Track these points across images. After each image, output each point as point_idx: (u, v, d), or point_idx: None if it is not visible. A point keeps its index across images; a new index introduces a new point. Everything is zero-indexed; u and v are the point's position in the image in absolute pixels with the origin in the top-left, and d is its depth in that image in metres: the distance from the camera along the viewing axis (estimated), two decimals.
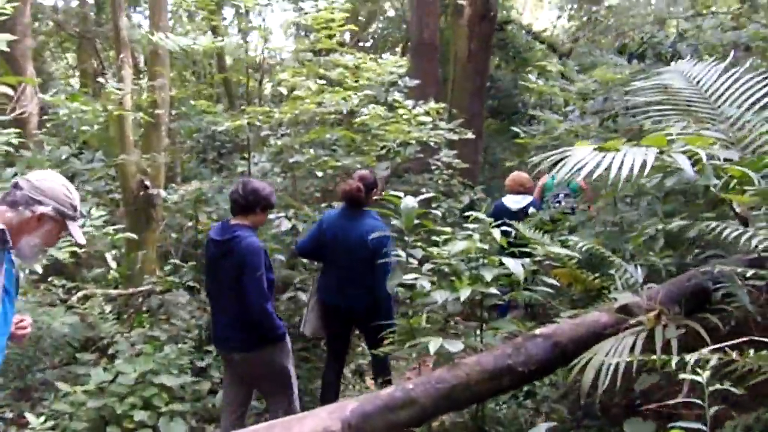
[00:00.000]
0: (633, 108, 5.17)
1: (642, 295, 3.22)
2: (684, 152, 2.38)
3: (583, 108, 5.57)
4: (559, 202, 6.83)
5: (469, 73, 9.49)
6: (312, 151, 6.21)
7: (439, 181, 6.82)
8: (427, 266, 3.27)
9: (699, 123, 3.13)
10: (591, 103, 5.55)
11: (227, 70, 12.12)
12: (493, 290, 3.02)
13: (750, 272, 2.73)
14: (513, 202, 6.02)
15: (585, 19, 18.09)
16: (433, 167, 6.90)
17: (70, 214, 2.32)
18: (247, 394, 3.68)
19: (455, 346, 2.85)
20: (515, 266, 3.02)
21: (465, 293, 2.93)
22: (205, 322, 4.85)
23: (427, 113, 6.61)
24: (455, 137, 6.90)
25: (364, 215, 4.13)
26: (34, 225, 2.24)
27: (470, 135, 7.28)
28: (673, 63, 3.74)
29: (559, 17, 20.27)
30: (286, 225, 5.84)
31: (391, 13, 16.57)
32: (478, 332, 3.30)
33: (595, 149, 2.43)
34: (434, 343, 2.83)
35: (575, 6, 18.31)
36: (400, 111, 6.40)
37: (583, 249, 3.61)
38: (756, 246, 2.62)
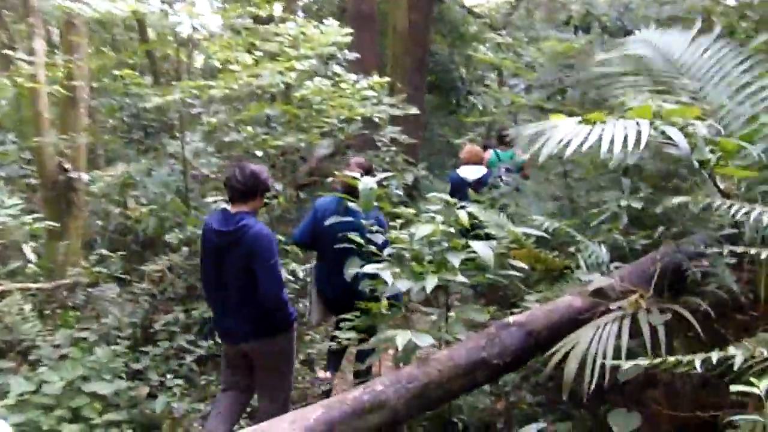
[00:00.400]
0: (589, 80, 5.04)
1: (614, 276, 3.08)
2: (671, 125, 2.20)
3: (532, 81, 5.40)
4: (501, 177, 6.83)
5: (410, 46, 9.20)
6: (249, 128, 5.80)
7: (386, 159, 6.54)
8: (387, 251, 3.00)
9: (670, 95, 2.98)
10: (539, 76, 5.38)
11: (151, 43, 11.36)
12: (461, 277, 2.79)
13: (726, 249, 2.62)
14: (469, 173, 6.10)
15: None
16: (379, 143, 6.62)
17: None
18: (248, 386, 3.45)
19: (424, 339, 2.62)
20: (483, 250, 2.80)
21: (431, 283, 2.69)
22: (141, 318, 4.43)
23: (370, 88, 6.31)
24: (399, 113, 6.64)
25: None
26: None
27: (415, 110, 7.04)
28: (637, 33, 3.58)
29: None
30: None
31: None
32: (442, 322, 3.07)
33: (580, 122, 2.21)
34: (402, 337, 2.58)
35: None
36: (343, 85, 6.07)
37: (551, 229, 3.43)
38: (734, 217, 2.51)
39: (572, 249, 3.98)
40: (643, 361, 1.95)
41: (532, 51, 5.11)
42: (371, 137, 7.06)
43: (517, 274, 3.09)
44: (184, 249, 5.22)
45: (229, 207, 3.32)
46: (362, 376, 3.65)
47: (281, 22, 5.58)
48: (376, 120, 6.35)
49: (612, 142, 2.05)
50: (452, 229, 2.89)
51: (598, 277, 3.00)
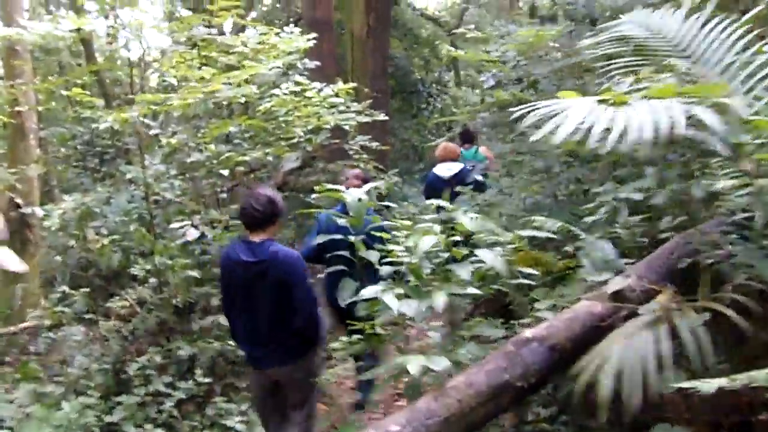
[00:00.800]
0: (568, 69, 4.85)
1: (630, 274, 2.85)
2: (698, 104, 1.97)
3: (504, 75, 5.20)
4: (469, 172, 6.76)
5: (370, 51, 8.97)
6: (212, 147, 5.45)
7: (362, 165, 6.27)
8: (386, 269, 2.71)
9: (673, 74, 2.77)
10: (510, 69, 5.17)
11: (99, 71, 10.87)
12: (473, 290, 2.52)
13: None
14: (445, 170, 6.06)
15: None
16: (351, 152, 6.33)
17: None
18: (284, 405, 3.39)
19: (439, 363, 2.33)
20: (493, 258, 2.54)
21: (440, 300, 2.41)
22: (112, 363, 4.02)
23: (336, 95, 6.03)
24: (367, 119, 6.38)
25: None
26: None
27: (383, 116, 6.79)
28: (625, 15, 3.38)
29: None
30: (193, 234, 5.09)
31: None
32: (449, 342, 2.79)
33: (599, 102, 1.97)
34: (414, 364, 2.29)
35: None
36: (309, 94, 5.77)
37: (555, 228, 3.20)
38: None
39: (569, 248, 3.76)
40: (714, 381, 1.69)
41: (502, 44, 4.90)
42: (340, 147, 6.79)
43: (529, 282, 2.83)
44: (152, 281, 4.84)
45: (249, 236, 3.23)
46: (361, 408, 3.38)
47: (240, 32, 5.24)
48: (346, 128, 6.06)
49: (639, 126, 1.80)
50: (457, 237, 2.62)
51: (615, 278, 2.76)
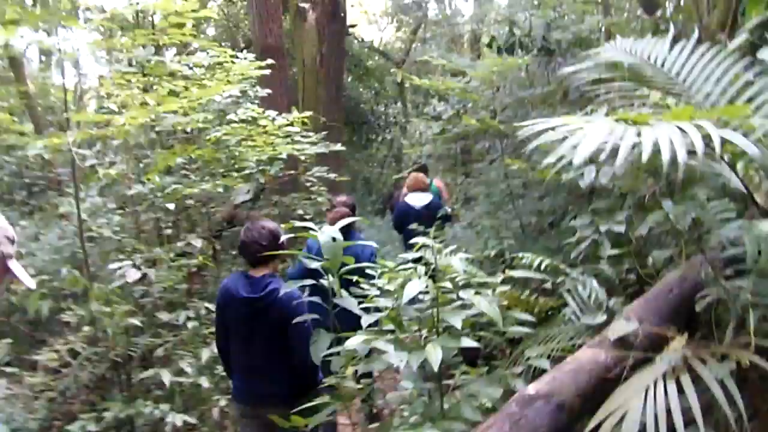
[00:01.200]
0: (540, 96, 4.68)
1: (631, 317, 2.61)
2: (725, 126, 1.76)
3: (473, 101, 5.01)
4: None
5: (323, 79, 8.71)
6: (156, 178, 5.00)
7: (318, 198, 5.93)
8: (367, 318, 2.36)
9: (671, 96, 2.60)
10: (488, 93, 4.98)
11: (30, 96, 10.16)
12: (469, 341, 2.21)
13: None
14: (416, 200, 6.06)
15: (415, 27, 18.24)
16: (308, 183, 5.99)
17: (10, 251, 1.70)
18: None
19: None
20: (487, 306, 2.24)
21: (436, 355, 2.09)
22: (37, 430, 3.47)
23: (290, 124, 5.70)
24: (322, 150, 6.08)
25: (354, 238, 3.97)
26: None
27: (338, 147, 6.51)
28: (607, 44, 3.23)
29: (385, 28, 20.34)
30: (134, 275, 4.60)
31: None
32: (437, 402, 2.45)
33: (617, 121, 1.73)
34: None
35: (405, 17, 18.38)
36: (263, 122, 5.43)
37: (543, 265, 2.94)
38: None
39: (546, 286, 3.53)
40: None
41: (470, 71, 4.71)
42: (291, 178, 6.44)
43: (525, 330, 2.54)
44: (86, 328, 4.31)
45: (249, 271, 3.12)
46: None
47: (190, 54, 4.87)
48: (301, 158, 5.73)
49: (671, 145, 1.56)
50: (448, 283, 2.31)
51: (617, 322, 2.52)
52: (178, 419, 3.23)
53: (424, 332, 2.32)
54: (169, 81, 4.90)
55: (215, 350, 3.76)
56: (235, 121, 5.42)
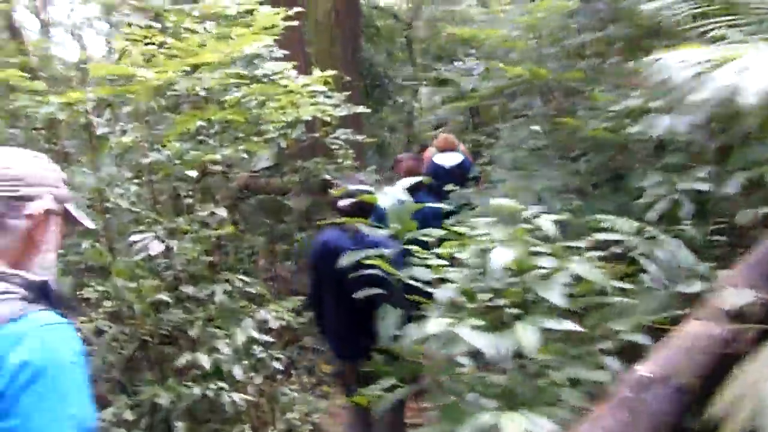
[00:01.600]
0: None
1: (739, 284, 2.28)
2: None
3: (518, 51, 4.58)
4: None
5: (338, 39, 8.25)
6: (176, 144, 4.65)
7: (344, 162, 5.58)
8: (441, 293, 2.04)
9: None
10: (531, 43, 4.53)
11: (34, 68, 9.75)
12: (569, 324, 1.88)
13: None
14: (446, 159, 6.00)
15: None
16: (335, 147, 5.63)
17: (67, 194, 1.54)
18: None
19: (542, 425, 1.69)
20: (589, 271, 1.91)
21: (531, 337, 1.76)
22: None
23: (312, 84, 5.31)
24: (345, 112, 5.71)
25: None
26: (39, 234, 1.42)
27: (362, 108, 6.14)
28: None
29: None
30: (157, 247, 4.28)
31: None
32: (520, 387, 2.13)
33: None
34: (513, 425, 1.64)
35: None
36: (285, 82, 5.04)
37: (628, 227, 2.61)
38: None
39: (616, 249, 3.19)
40: None
41: (518, 17, 4.27)
42: (312, 142, 6.07)
43: (624, 299, 2.22)
44: (107, 304, 4.03)
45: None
46: None
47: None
48: (327, 120, 5.36)
49: None
50: (540, 248, 1.98)
51: (727, 290, 2.19)
52: (236, 396, 2.95)
53: (513, 311, 1.98)
54: (191, 31, 4.50)
55: (250, 331, 3.48)
56: (256, 81, 5.04)
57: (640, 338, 2.21)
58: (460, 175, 5.67)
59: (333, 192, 2.89)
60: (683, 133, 3.25)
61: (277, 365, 3.69)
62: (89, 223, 1.60)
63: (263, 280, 5.70)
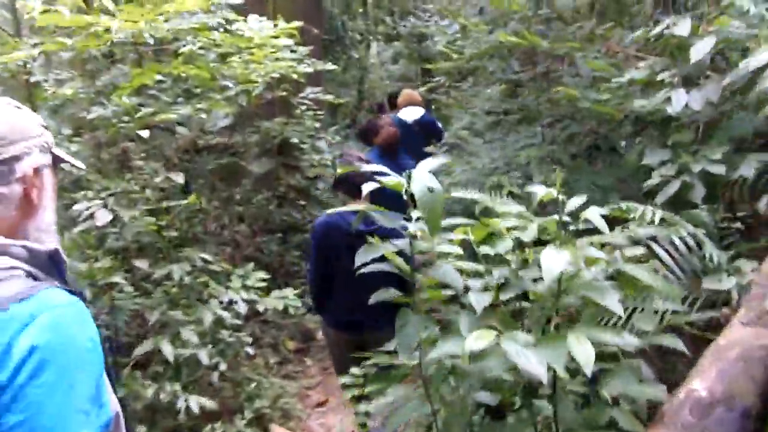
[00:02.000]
0: None
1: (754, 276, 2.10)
2: None
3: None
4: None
5: None
6: (125, 99, 4.13)
7: (308, 123, 5.17)
8: (479, 297, 1.75)
9: None
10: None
11: None
12: (631, 339, 1.63)
13: None
14: (408, 114, 5.94)
15: None
16: (303, 107, 5.20)
17: (51, 138, 1.28)
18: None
19: None
20: (655, 279, 1.66)
21: (586, 353, 1.50)
22: None
23: (276, 36, 4.83)
24: (309, 69, 5.28)
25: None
26: (36, 195, 1.20)
27: (330, 66, 5.72)
28: None
29: None
30: (104, 216, 3.82)
31: None
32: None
33: None
34: None
35: None
36: (248, 34, 4.55)
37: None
38: None
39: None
40: None
41: None
42: (272, 100, 5.61)
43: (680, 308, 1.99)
44: None
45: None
46: None
47: None
48: (293, 78, 4.92)
49: None
50: (595, 250, 1.70)
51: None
52: (193, 402, 2.60)
53: (557, 320, 1.72)
54: None
55: (218, 310, 3.12)
56: (213, 30, 4.53)
57: (677, 342, 2.00)
58: (419, 131, 5.64)
59: (337, 170, 2.60)
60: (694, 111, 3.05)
61: (248, 350, 3.36)
62: (80, 164, 1.40)
63: (215, 246, 5.29)
